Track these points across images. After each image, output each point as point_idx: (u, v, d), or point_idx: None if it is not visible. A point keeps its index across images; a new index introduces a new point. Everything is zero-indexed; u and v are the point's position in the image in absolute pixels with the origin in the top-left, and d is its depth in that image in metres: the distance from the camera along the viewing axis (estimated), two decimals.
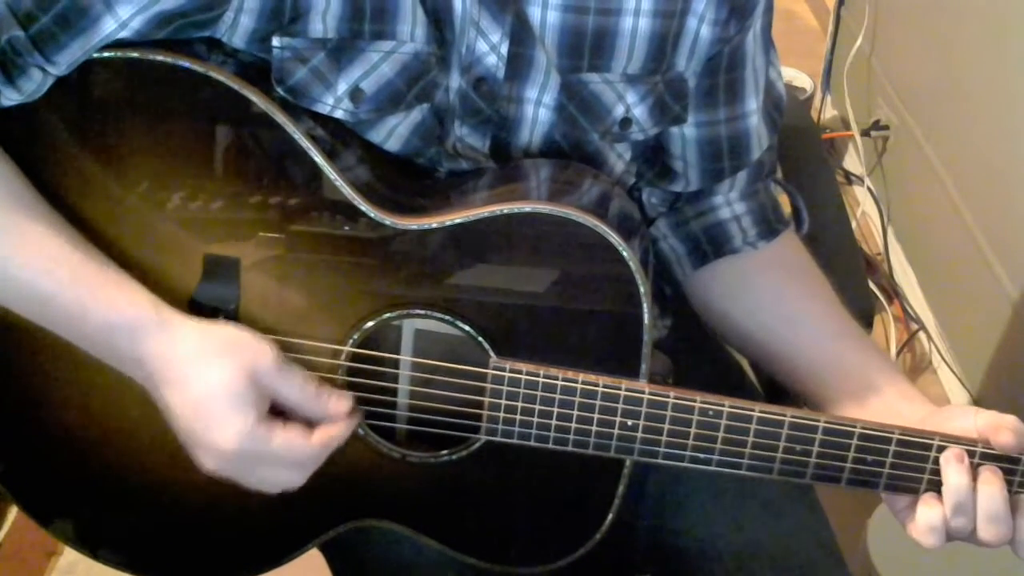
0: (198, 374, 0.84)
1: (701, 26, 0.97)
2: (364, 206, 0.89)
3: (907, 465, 0.88)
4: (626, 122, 0.99)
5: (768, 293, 1.08)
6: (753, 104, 1.04)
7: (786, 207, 1.37)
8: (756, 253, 1.09)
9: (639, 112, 0.99)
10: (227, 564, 1.04)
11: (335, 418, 0.89)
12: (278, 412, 0.87)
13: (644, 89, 0.98)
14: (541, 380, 0.90)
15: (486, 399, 0.91)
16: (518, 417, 0.91)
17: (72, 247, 0.86)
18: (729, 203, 1.09)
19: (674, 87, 1.00)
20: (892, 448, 0.88)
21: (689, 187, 1.08)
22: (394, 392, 0.95)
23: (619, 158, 1.04)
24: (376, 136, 0.95)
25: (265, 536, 1.02)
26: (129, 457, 0.99)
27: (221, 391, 0.84)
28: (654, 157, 1.08)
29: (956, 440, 0.89)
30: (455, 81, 0.94)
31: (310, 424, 0.88)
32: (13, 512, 1.78)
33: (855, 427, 0.88)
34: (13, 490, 1.02)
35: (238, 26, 0.88)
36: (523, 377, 0.90)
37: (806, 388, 1.02)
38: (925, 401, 0.95)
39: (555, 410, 0.90)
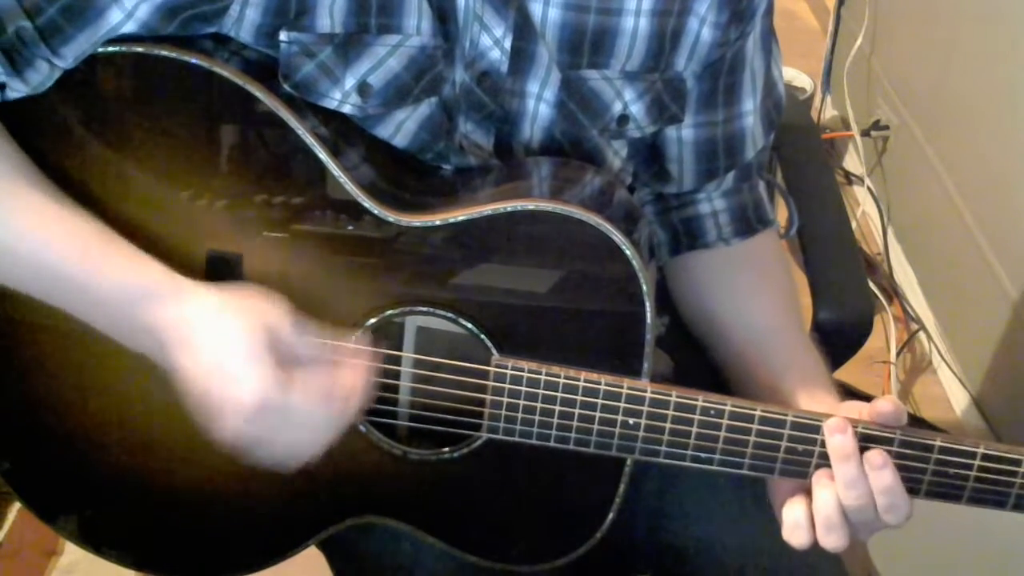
0: (214, 333, 0.83)
1: (702, 28, 0.97)
2: (368, 203, 0.89)
3: (909, 466, 0.88)
4: (623, 119, 1.00)
5: (725, 285, 1.10)
6: (750, 105, 1.05)
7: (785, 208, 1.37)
8: (728, 249, 1.11)
9: (636, 109, 0.99)
10: (228, 560, 1.04)
11: (354, 371, 0.87)
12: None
13: (642, 87, 0.98)
14: (543, 378, 0.90)
15: (488, 397, 0.92)
16: (520, 415, 0.91)
17: (84, 222, 0.86)
18: (710, 199, 1.11)
19: (672, 86, 1.00)
20: (895, 450, 0.88)
21: (683, 188, 1.10)
22: (396, 389, 0.95)
23: (616, 155, 1.04)
24: (384, 131, 0.95)
25: (267, 532, 1.02)
26: (132, 453, 0.99)
27: (238, 347, 0.83)
28: (651, 159, 1.09)
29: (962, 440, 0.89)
30: (459, 76, 0.95)
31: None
32: (14, 511, 1.77)
33: (856, 427, 0.88)
34: (17, 487, 1.02)
35: (244, 20, 0.88)
36: (525, 375, 0.90)
37: (731, 377, 1.05)
38: (833, 405, 0.96)
39: (557, 408, 0.90)
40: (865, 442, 0.88)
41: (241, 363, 0.83)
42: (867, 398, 0.92)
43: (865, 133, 2.67)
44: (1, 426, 1.00)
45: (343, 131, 0.93)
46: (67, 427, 0.99)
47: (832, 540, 0.89)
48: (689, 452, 0.90)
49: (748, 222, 1.11)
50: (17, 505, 1.73)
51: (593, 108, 0.98)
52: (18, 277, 0.87)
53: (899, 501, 0.87)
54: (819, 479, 0.89)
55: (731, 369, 1.06)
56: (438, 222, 0.89)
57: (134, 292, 0.85)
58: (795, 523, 0.90)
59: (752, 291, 1.10)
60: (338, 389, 0.86)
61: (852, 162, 2.82)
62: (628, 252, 0.88)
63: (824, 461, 0.89)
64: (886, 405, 0.88)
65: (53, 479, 1.02)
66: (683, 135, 1.05)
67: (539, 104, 0.97)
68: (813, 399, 0.96)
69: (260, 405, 0.82)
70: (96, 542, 1.04)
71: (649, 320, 0.90)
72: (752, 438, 0.89)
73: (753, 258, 1.12)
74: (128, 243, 0.87)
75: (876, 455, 0.87)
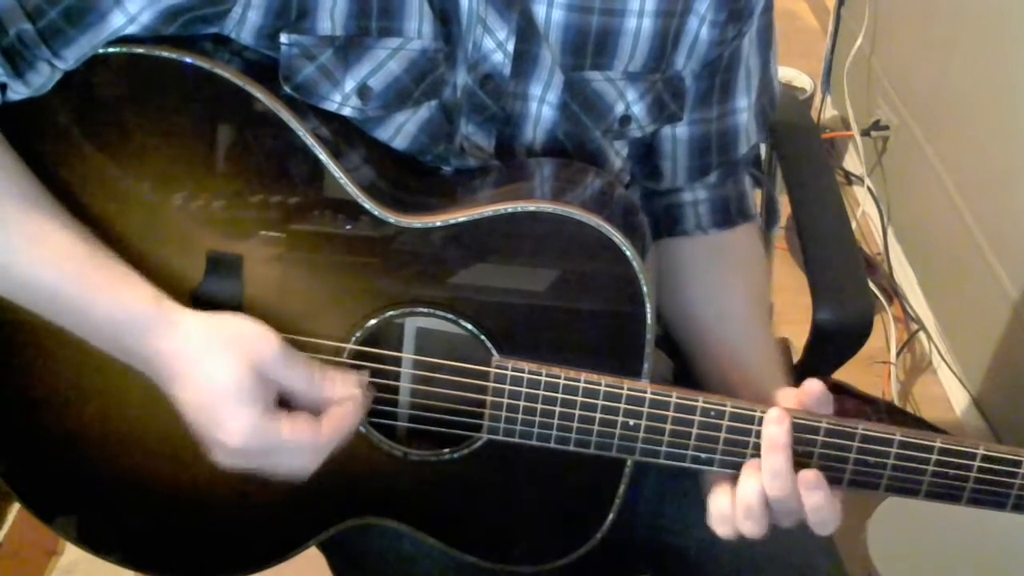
0: (203, 370, 0.84)
1: (702, 27, 0.98)
2: (368, 204, 0.89)
3: (908, 467, 0.88)
4: (626, 119, 1.00)
5: (699, 276, 1.11)
6: (744, 102, 1.06)
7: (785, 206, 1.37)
8: (705, 238, 1.12)
9: (638, 110, 0.99)
10: (228, 560, 1.04)
11: (344, 402, 0.88)
12: (285, 402, 0.87)
13: (643, 87, 0.99)
14: (543, 379, 0.90)
15: (488, 398, 0.92)
16: (520, 416, 0.91)
17: (79, 241, 0.86)
18: (692, 189, 1.11)
19: (672, 85, 1.00)
20: (894, 451, 0.88)
21: (675, 185, 1.10)
22: (396, 390, 0.95)
23: (617, 155, 1.04)
24: (384, 133, 0.95)
25: (267, 533, 1.02)
26: (131, 454, 0.99)
27: (226, 387, 0.84)
28: (645, 158, 1.09)
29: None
30: (461, 78, 0.95)
31: (318, 411, 0.88)
32: (14, 511, 1.77)
33: (857, 428, 0.88)
34: (16, 487, 1.02)
35: (245, 22, 0.88)
36: (525, 376, 0.90)
37: (698, 366, 1.06)
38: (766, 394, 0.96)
39: (557, 409, 0.90)
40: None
41: (226, 406, 0.84)
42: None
43: (865, 133, 2.67)
44: (1, 426, 1.00)
45: (343, 132, 0.93)
46: (67, 427, 0.98)
47: (749, 527, 0.89)
48: (689, 453, 0.90)
49: (728, 214, 1.12)
50: (17, 505, 1.72)
51: (596, 109, 0.98)
52: (14, 295, 0.87)
53: (828, 517, 0.88)
54: (748, 467, 0.89)
55: (695, 359, 1.07)
56: (439, 223, 0.89)
57: (124, 323, 0.86)
58: (721, 515, 0.90)
59: (723, 281, 1.10)
60: (324, 430, 0.86)
61: (852, 162, 2.82)
62: (629, 253, 0.88)
63: (821, 461, 0.89)
64: (815, 385, 0.89)
65: (52, 480, 1.02)
66: (677, 132, 1.06)
67: (542, 106, 0.97)
68: (760, 390, 0.97)
69: (243, 448, 0.85)
70: (95, 543, 1.04)
71: (650, 321, 0.90)
72: (752, 439, 0.89)
73: (729, 249, 1.13)
74: (122, 265, 0.87)
75: (811, 475, 0.87)
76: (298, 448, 0.86)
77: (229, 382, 0.84)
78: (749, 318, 1.08)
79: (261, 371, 0.85)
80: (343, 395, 0.88)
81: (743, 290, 1.10)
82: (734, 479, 0.91)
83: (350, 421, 0.88)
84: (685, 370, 1.11)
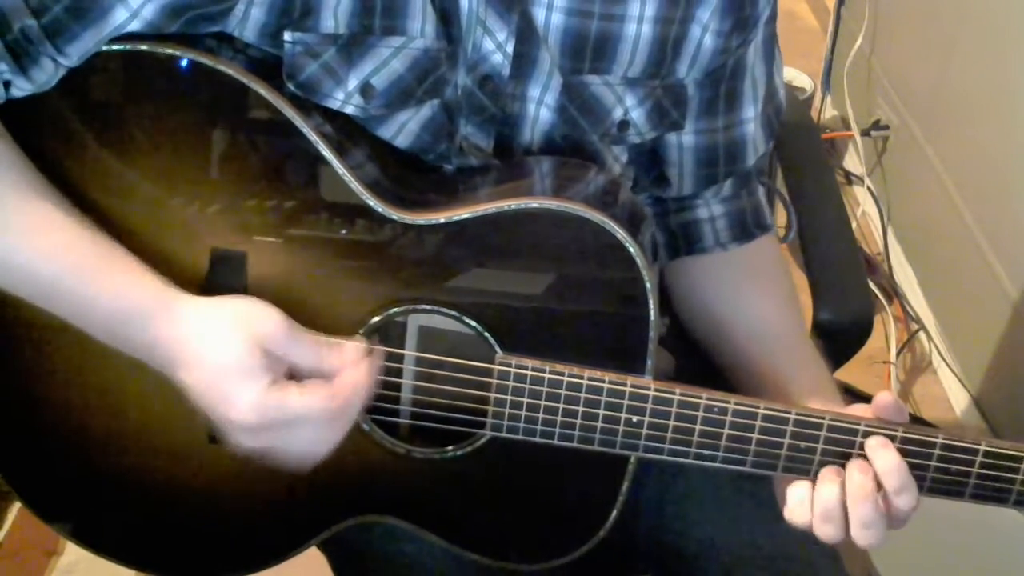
0: (208, 351, 0.84)
1: (704, 35, 0.98)
2: (372, 201, 0.89)
3: (911, 463, 0.89)
4: (624, 124, 1.00)
5: (726, 289, 1.11)
6: (751, 112, 1.06)
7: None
8: (726, 254, 1.12)
9: (636, 115, 0.99)
10: (230, 560, 1.04)
11: (356, 367, 0.87)
12: (298, 379, 0.86)
13: (643, 92, 0.99)
14: (547, 376, 0.90)
15: (491, 395, 0.92)
16: (523, 413, 0.91)
17: (82, 233, 0.86)
18: (708, 204, 1.11)
19: (673, 92, 1.00)
20: (897, 447, 0.88)
21: (682, 193, 1.10)
22: (399, 388, 0.95)
23: (616, 160, 1.04)
24: (386, 132, 0.95)
25: (269, 531, 1.02)
26: (132, 452, 0.99)
27: (231, 365, 0.83)
28: (650, 165, 1.09)
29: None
30: (461, 79, 0.95)
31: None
32: (14, 511, 1.77)
33: (859, 425, 0.88)
34: (18, 487, 1.02)
35: (249, 19, 0.88)
36: (529, 373, 0.90)
37: (736, 377, 1.06)
38: (837, 406, 0.96)
39: (560, 406, 0.91)
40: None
41: (234, 383, 0.83)
42: (867, 398, 0.93)
43: (865, 133, 2.67)
44: (1, 425, 1.00)
45: (346, 130, 0.93)
46: (68, 427, 0.98)
47: (827, 531, 0.89)
48: (692, 450, 0.90)
49: (746, 227, 1.12)
50: (17, 505, 1.73)
51: (594, 113, 0.98)
52: (15, 287, 0.87)
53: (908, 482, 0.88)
54: (825, 474, 0.89)
55: (738, 373, 1.06)
56: (442, 220, 0.89)
57: (128, 311, 0.85)
58: (799, 500, 0.90)
59: (753, 296, 1.10)
60: (338, 394, 0.86)
61: (852, 162, 2.82)
62: (632, 250, 0.88)
63: (827, 459, 0.89)
64: (886, 397, 0.89)
65: (54, 479, 1.02)
66: (684, 141, 1.06)
67: (540, 108, 0.97)
68: (822, 404, 0.96)
69: (257, 423, 0.84)
70: (96, 542, 1.04)
71: (653, 318, 0.90)
72: (755, 435, 0.89)
73: (752, 263, 1.12)
74: (126, 255, 0.87)
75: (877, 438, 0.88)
76: (312, 416, 0.85)
77: (234, 360, 0.83)
78: (782, 328, 1.07)
79: (266, 347, 0.84)
80: (354, 362, 0.87)
81: (772, 300, 1.10)
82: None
83: (363, 385, 0.87)
84: (688, 367, 1.11)
